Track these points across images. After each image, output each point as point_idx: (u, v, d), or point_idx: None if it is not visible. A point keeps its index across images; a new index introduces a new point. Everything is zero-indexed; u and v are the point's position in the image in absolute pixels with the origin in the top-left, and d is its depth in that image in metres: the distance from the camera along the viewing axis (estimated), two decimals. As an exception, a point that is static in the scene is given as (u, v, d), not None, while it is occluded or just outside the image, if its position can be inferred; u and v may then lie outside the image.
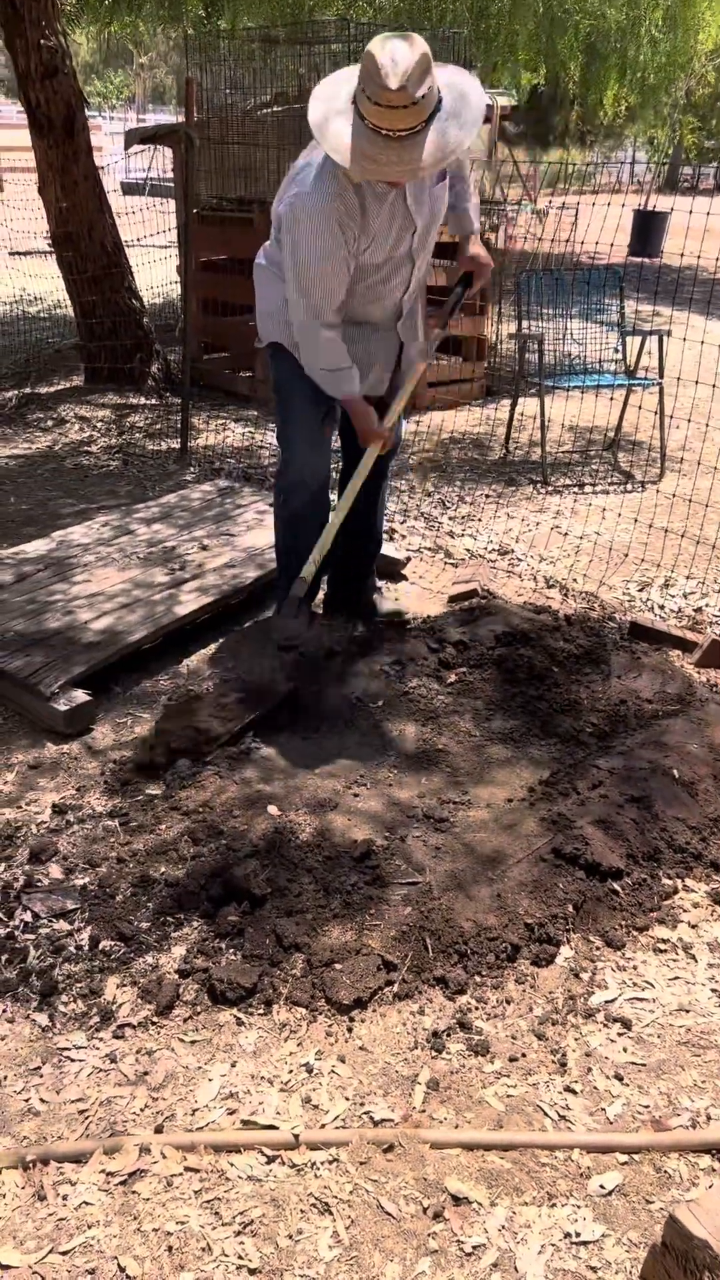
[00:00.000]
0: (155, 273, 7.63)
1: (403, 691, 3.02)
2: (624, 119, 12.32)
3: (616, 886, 2.33)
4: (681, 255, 4.52)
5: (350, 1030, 1.98)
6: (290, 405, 3.04)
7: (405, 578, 3.84)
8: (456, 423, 5.99)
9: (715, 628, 3.51)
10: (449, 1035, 1.98)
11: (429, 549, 4.13)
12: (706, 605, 3.67)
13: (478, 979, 2.09)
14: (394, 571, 3.84)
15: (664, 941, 2.23)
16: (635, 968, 2.15)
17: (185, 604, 3.37)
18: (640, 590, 3.80)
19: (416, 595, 3.71)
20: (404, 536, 4.23)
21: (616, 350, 5.41)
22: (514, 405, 5.55)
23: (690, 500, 4.43)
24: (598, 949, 2.19)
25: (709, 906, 2.33)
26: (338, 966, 2.08)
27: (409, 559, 3.88)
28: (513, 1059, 1.93)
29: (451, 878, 2.30)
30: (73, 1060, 1.93)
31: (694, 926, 2.27)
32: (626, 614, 3.56)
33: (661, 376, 5.08)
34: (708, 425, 4.65)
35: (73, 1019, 2.01)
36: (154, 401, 6.44)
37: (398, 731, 2.86)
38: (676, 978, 2.13)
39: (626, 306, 5.50)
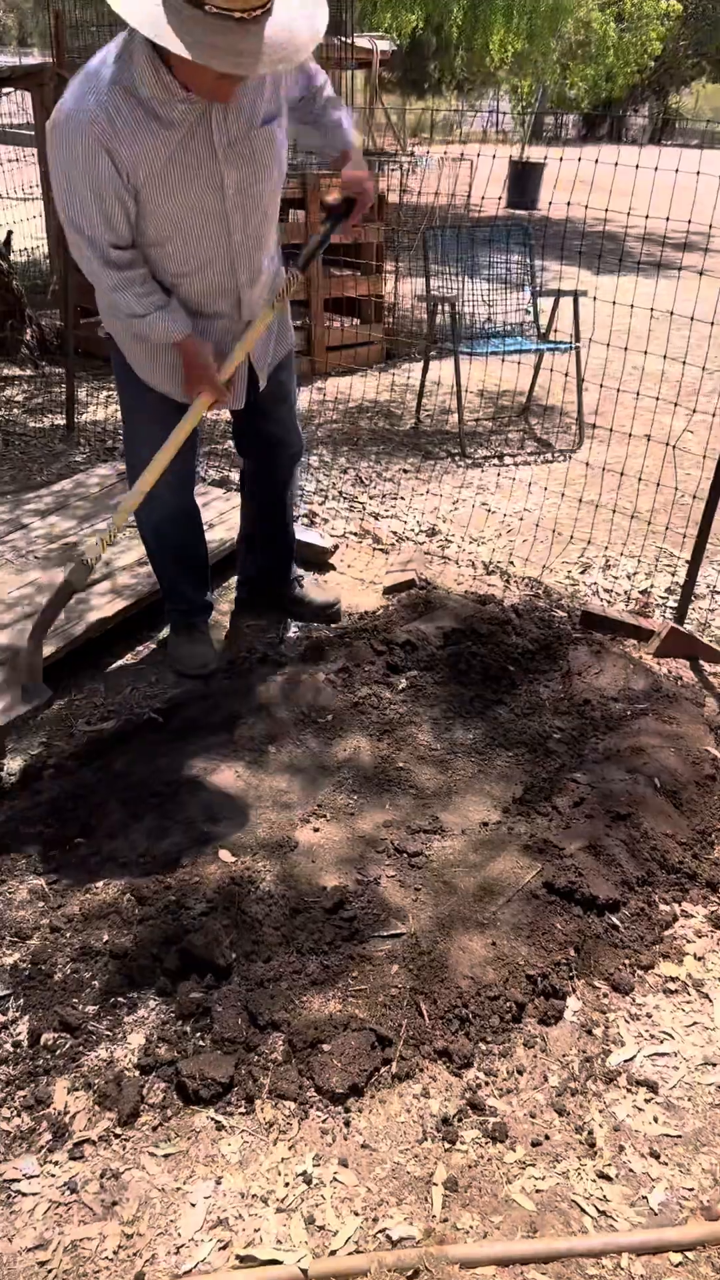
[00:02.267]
0: (18, 231, 7.02)
1: (352, 702, 2.75)
2: (510, 65, 11.98)
3: (615, 920, 2.12)
4: (568, 205, 4.28)
5: (348, 1124, 1.73)
6: (135, 409, 2.64)
7: (334, 567, 3.55)
8: (361, 390, 5.68)
9: (664, 610, 3.34)
10: (461, 1120, 1.74)
11: (354, 534, 3.84)
12: (652, 586, 3.50)
13: (483, 1047, 1.86)
14: (321, 561, 3.54)
15: (673, 980, 2.03)
16: (649, 1015, 1.95)
17: (97, 609, 3.00)
18: (583, 573, 3.60)
19: (349, 587, 3.43)
20: (326, 520, 3.92)
21: (528, 312, 5.18)
22: (425, 371, 5.27)
23: (615, 471, 4.25)
24: (605, 996, 1.99)
25: (711, 933, 2.15)
26: (325, 1047, 1.81)
27: (336, 546, 3.59)
28: (535, 1143, 1.71)
29: (438, 925, 2.05)
30: (24, 1194, 1.62)
31: (700, 959, 2.09)
32: (573, 600, 3.36)
33: (578, 340, 4.88)
34: (619, 390, 4.48)
35: (19, 1138, 1.70)
36: (30, 372, 5.91)
37: (352, 748, 2.59)
38: (694, 1023, 1.94)
39: (516, 262, 5.23)
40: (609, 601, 3.40)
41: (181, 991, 1.92)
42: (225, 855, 2.23)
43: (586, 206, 4.17)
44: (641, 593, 3.45)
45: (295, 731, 2.64)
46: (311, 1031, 1.83)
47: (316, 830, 2.33)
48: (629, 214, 4.33)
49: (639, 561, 3.69)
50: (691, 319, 3.51)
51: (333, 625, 3.16)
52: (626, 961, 2.06)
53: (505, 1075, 1.82)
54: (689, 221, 3.90)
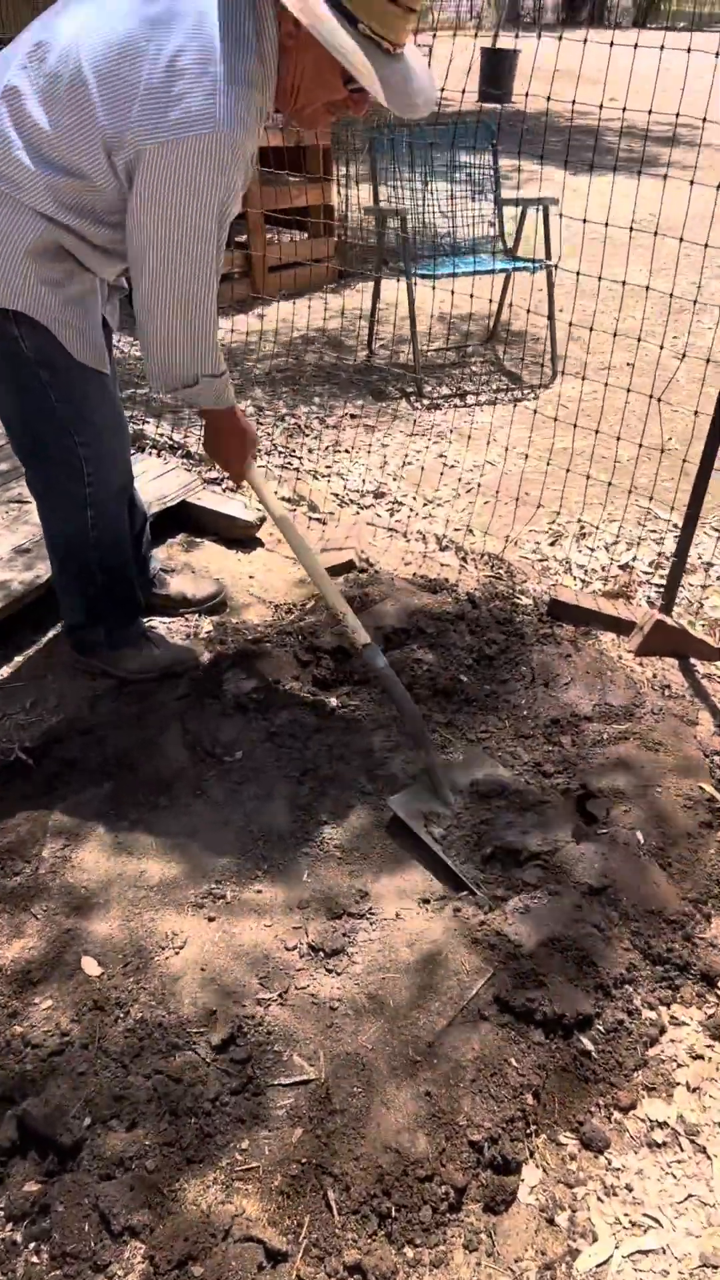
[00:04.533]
0: None
1: (269, 732, 2.24)
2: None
3: (587, 1043, 1.66)
4: (548, 98, 3.62)
5: None
6: (97, 404, 2.07)
7: (261, 543, 3.01)
8: (307, 317, 5.05)
9: (648, 589, 2.83)
10: None
11: (288, 500, 3.28)
12: (634, 560, 2.98)
13: (409, 1253, 1.40)
14: (247, 537, 3.00)
15: (660, 1126, 1.58)
16: (629, 1186, 1.50)
17: (-38, 617, 2.47)
18: (552, 544, 3.07)
19: (276, 568, 2.89)
20: (254, 483, 3.36)
21: (492, 224, 4.53)
22: (375, 297, 4.64)
23: (592, 417, 3.69)
24: (573, 1159, 1.53)
25: (707, 1049, 1.69)
26: (196, 1270, 1.35)
27: (262, 519, 3.04)
28: None
29: (356, 1067, 1.58)
30: None
31: (695, 1090, 1.63)
32: (540, 582, 2.84)
33: (549, 257, 4.25)
34: (593, 324, 3.89)
35: None
36: None
37: (264, 797, 2.10)
38: (689, 1196, 1.49)
39: (476, 166, 4.54)
40: (584, 581, 2.88)
41: (14, 1180, 1.46)
42: (90, 965, 1.74)
43: (549, 98, 3.51)
44: (622, 568, 2.93)
45: (195, 775, 2.14)
46: (180, 1243, 1.37)
47: (211, 920, 1.84)
48: (602, 105, 3.68)
49: (618, 526, 3.16)
50: (680, 239, 2.91)
51: (252, 626, 2.63)
52: (601, 1102, 1.60)
53: (438, 1298, 1.37)
54: (677, 114, 3.27)
